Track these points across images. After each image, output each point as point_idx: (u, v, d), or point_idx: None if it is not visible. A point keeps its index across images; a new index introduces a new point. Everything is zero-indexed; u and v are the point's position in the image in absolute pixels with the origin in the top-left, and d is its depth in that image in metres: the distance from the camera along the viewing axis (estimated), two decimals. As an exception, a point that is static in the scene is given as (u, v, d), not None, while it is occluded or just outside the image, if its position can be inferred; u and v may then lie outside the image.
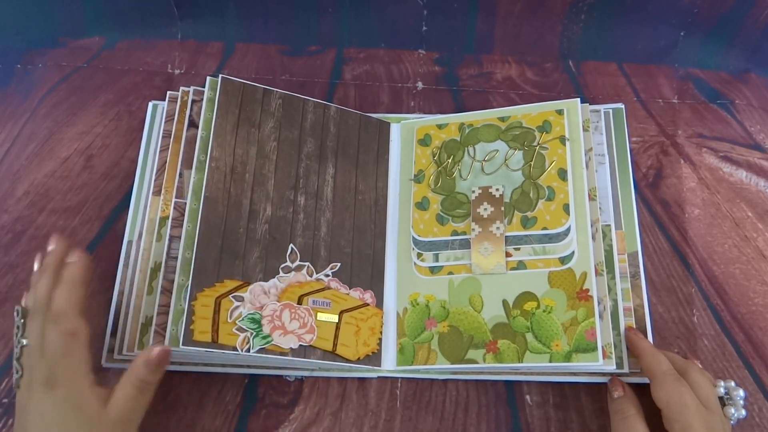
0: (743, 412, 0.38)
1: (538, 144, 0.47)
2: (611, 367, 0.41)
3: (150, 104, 0.53)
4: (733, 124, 0.58)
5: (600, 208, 0.46)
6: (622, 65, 0.62)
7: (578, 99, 0.48)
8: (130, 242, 0.46)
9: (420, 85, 0.59)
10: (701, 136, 0.57)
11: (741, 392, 0.39)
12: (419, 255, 0.47)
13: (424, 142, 0.51)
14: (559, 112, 0.48)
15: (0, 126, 0.54)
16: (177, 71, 0.59)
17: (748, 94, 0.60)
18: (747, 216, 0.52)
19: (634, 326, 0.44)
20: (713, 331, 0.46)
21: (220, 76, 0.46)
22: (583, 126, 0.47)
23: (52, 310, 0.36)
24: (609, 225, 0.46)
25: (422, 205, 0.48)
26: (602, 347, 0.40)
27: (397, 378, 0.44)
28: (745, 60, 0.61)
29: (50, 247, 0.39)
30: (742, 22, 0.58)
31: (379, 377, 0.44)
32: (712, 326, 0.47)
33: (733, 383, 0.40)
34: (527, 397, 0.44)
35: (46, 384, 0.33)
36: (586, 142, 0.47)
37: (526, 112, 0.49)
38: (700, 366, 0.40)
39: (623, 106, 0.53)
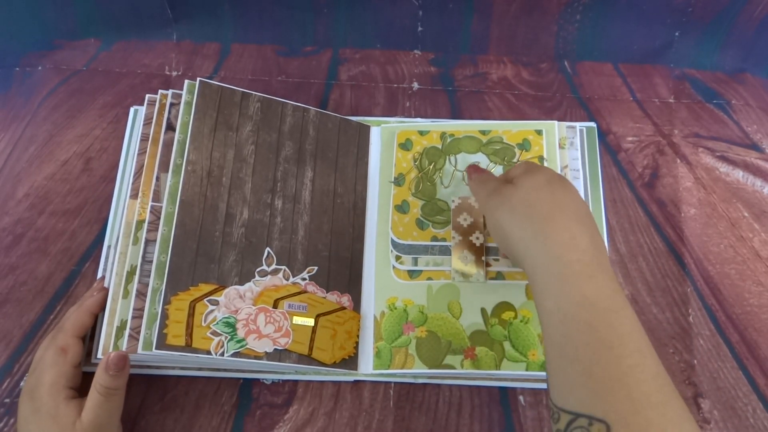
0: None
1: (518, 161, 0.48)
2: None
3: (132, 109, 0.53)
4: (729, 124, 0.57)
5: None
6: (617, 65, 0.61)
7: (555, 122, 0.49)
8: (109, 247, 0.47)
9: (416, 85, 0.59)
10: (698, 135, 0.56)
11: None
12: (398, 258, 0.47)
13: (405, 146, 0.51)
14: (539, 132, 0.49)
15: (3, 129, 0.55)
16: (174, 73, 0.59)
17: (744, 94, 0.59)
18: (743, 216, 0.52)
19: None
20: (708, 331, 0.46)
21: (198, 79, 0.46)
22: (559, 143, 0.48)
23: (59, 328, 0.41)
24: None
25: (402, 208, 0.48)
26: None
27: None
28: (741, 60, 0.60)
29: (94, 285, 0.45)
30: (736, 20, 0.57)
31: (356, 381, 0.44)
32: (707, 326, 0.46)
33: None
34: (520, 398, 0.44)
35: (29, 394, 0.38)
36: (562, 159, 0.48)
37: (507, 129, 0.50)
38: None
39: (596, 125, 0.54)
